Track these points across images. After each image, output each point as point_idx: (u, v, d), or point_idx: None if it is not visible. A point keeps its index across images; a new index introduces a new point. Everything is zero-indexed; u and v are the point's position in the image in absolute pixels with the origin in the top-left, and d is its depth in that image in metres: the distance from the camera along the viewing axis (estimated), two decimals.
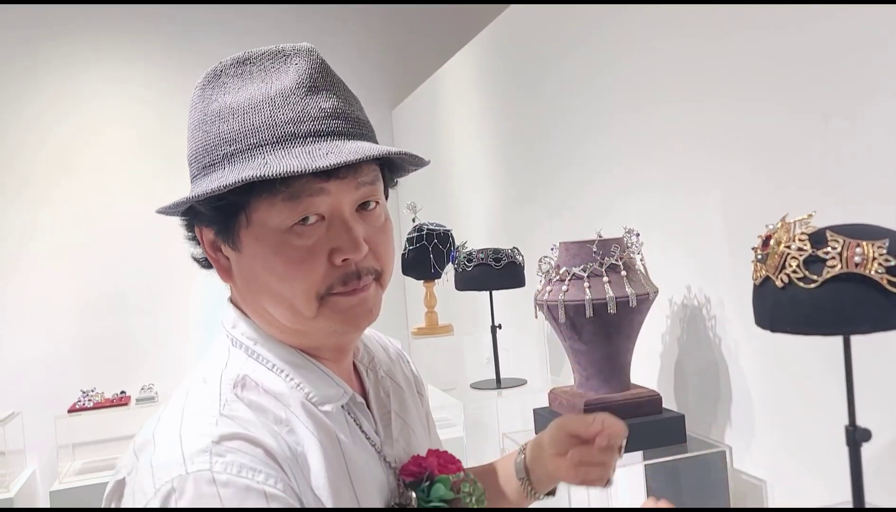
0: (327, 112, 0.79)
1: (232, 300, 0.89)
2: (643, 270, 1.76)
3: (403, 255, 3.11)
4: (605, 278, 1.69)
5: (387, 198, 0.90)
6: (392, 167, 0.90)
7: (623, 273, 1.71)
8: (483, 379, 2.60)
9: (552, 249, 1.84)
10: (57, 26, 4.25)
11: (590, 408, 1.69)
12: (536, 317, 1.85)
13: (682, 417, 1.71)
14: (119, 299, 4.21)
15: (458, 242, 2.82)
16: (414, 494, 0.86)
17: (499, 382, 2.51)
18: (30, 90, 4.21)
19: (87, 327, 4.16)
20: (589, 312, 1.67)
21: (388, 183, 0.90)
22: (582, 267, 1.71)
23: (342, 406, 0.86)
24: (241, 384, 0.81)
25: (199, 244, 0.87)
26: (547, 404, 1.92)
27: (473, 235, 3.35)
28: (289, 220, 0.78)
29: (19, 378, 3.96)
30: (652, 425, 1.69)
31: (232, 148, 0.78)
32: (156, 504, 0.69)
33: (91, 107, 4.28)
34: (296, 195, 0.77)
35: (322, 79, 0.83)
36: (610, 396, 1.73)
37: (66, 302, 4.17)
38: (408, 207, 3.19)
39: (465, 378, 3.23)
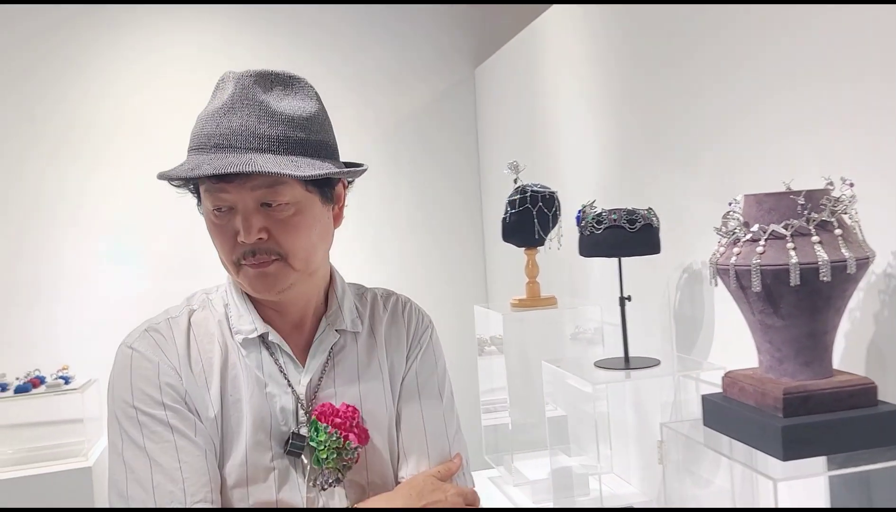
0: (232, 130, 1.02)
1: None
2: (858, 229, 1.42)
3: (504, 219, 2.82)
4: (815, 238, 1.37)
5: (331, 199, 1.19)
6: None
7: (837, 232, 1.38)
8: (606, 357, 2.30)
9: (731, 204, 1.52)
10: None
11: (790, 397, 1.38)
12: (715, 284, 1.54)
13: None
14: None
15: (574, 204, 2.51)
16: (304, 432, 1.10)
17: (627, 361, 2.21)
18: (97, 48, 4.03)
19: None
20: (794, 279, 1.35)
21: (327, 184, 1.15)
22: (784, 224, 1.39)
23: (260, 339, 1.14)
24: (202, 305, 1.18)
25: None
26: (716, 389, 1.61)
27: (581, 198, 3.03)
28: (211, 206, 1.08)
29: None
30: (865, 422, 1.37)
31: (191, 146, 1.08)
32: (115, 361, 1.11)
33: (164, 69, 4.08)
34: (210, 190, 1.06)
35: (241, 103, 1.04)
36: (812, 382, 1.41)
37: (145, 264, 4.00)
38: (509, 167, 2.89)
39: (571, 355, 2.95)
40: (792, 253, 1.36)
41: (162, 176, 1.04)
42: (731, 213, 1.47)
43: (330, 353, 1.18)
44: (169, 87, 4.06)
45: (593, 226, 2.15)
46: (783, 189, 1.49)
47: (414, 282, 4.43)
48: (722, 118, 2.14)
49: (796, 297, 1.38)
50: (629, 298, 2.23)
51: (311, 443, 1.08)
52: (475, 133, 4.57)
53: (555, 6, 3.33)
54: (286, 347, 1.15)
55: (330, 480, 1.10)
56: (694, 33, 2.26)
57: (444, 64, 4.50)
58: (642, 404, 2.66)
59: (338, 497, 1.11)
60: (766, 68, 1.93)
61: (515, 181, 2.87)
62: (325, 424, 1.08)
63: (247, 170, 0.99)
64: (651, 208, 2.17)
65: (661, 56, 2.47)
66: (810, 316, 1.39)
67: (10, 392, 3.38)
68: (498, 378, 3.12)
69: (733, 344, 2.16)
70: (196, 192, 1.12)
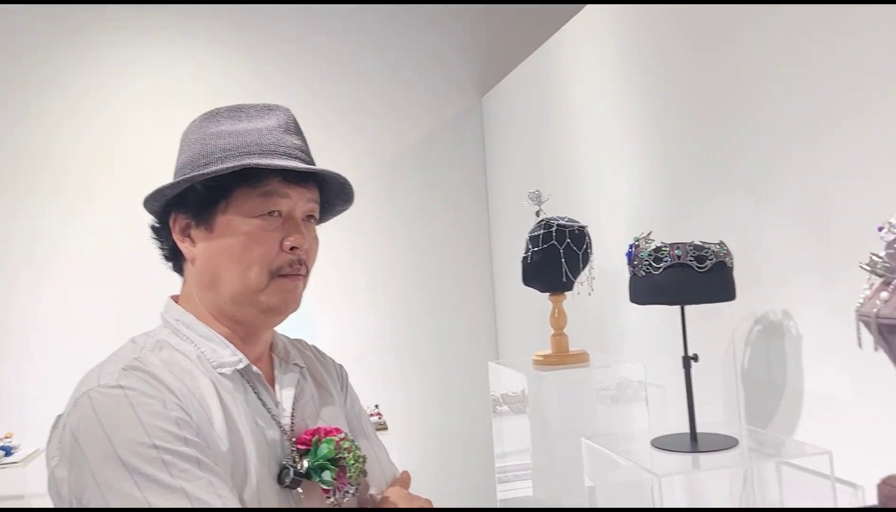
0: (296, 146, 1.10)
1: (173, 297, 1.14)
2: None
3: (525, 259, 2.35)
4: None
5: None
6: (323, 207, 1.16)
7: None
8: (665, 434, 1.80)
9: (881, 230, 1.05)
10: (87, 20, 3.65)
11: None
12: (875, 349, 1.05)
13: None
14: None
15: (605, 241, 2.03)
16: (306, 462, 1.05)
17: (695, 440, 1.71)
18: (62, 79, 3.61)
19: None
20: None
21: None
22: None
23: (240, 373, 1.08)
24: (158, 347, 1.06)
25: (161, 240, 1.14)
26: (859, 494, 1.12)
27: (615, 235, 2.57)
28: (259, 211, 1.07)
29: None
30: None
31: (226, 153, 1.06)
32: (69, 411, 0.96)
33: (130, 95, 3.66)
34: (269, 193, 1.07)
35: (294, 127, 1.12)
36: None
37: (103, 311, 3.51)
38: (530, 198, 2.43)
39: (606, 422, 2.45)
40: None
41: (247, 165, 1.03)
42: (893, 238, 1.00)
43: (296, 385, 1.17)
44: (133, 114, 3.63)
45: (650, 264, 1.67)
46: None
47: (413, 334, 3.93)
48: (799, 131, 1.68)
49: None
50: (696, 358, 1.74)
51: (314, 465, 1.05)
52: (483, 165, 4.13)
53: (570, 23, 2.91)
54: (264, 380, 1.11)
55: (350, 492, 1.07)
56: (751, 31, 1.82)
57: (447, 93, 4.09)
58: (704, 490, 2.15)
59: None
60: (861, 64, 1.48)
61: (538, 214, 2.41)
62: (326, 438, 1.07)
63: (331, 172, 1.09)
64: (723, 242, 1.70)
65: (711, 59, 2.03)
66: None
67: None
68: (510, 442, 2.64)
69: (828, 421, 1.67)
70: (212, 195, 1.07)
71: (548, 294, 2.42)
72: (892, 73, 1.45)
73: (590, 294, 2.36)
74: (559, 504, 2.44)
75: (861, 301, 1.06)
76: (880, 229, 1.05)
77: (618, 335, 2.66)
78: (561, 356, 2.38)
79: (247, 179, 1.04)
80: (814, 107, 1.66)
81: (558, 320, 2.42)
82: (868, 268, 1.05)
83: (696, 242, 1.67)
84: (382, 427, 3.38)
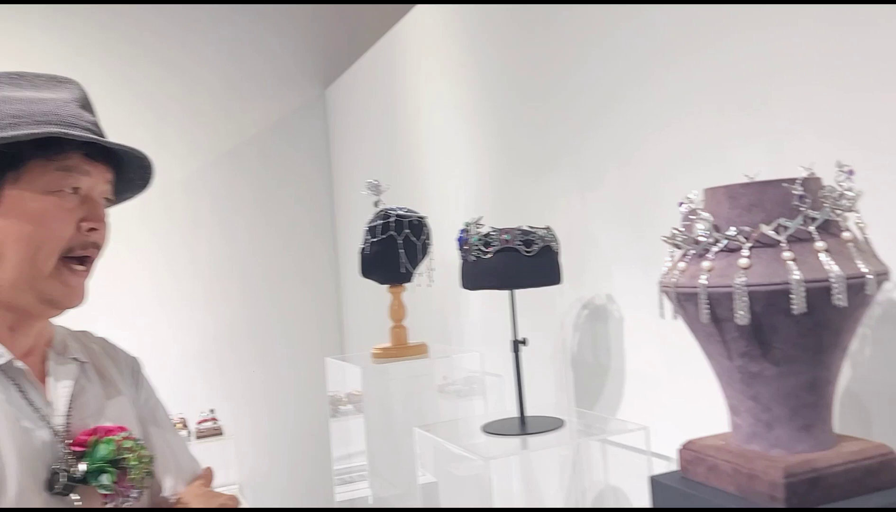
0: (93, 122, 1.03)
1: None
2: (862, 235, 1.03)
3: (363, 250, 2.29)
4: (820, 244, 0.95)
5: None
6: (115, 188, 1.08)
7: (846, 236, 0.97)
8: (493, 418, 1.80)
9: (682, 204, 1.08)
10: None
11: (794, 481, 0.94)
12: (674, 316, 1.08)
13: None
14: None
15: (447, 232, 2.02)
16: (82, 465, 0.95)
17: (523, 423, 1.72)
18: None
19: None
20: (800, 305, 0.91)
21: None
22: (775, 226, 0.96)
23: (1, 369, 0.97)
24: None
25: None
26: (673, 466, 1.16)
27: (456, 225, 2.56)
28: (56, 187, 0.97)
29: None
30: None
31: (17, 120, 0.95)
32: None
33: None
34: (70, 168, 0.98)
35: (88, 103, 1.05)
36: (818, 456, 0.98)
37: None
38: (368, 187, 2.37)
39: (447, 413, 2.44)
40: (792, 266, 0.93)
41: (52, 133, 0.95)
42: (695, 213, 1.03)
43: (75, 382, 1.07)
44: None
45: (480, 249, 1.66)
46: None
47: (255, 333, 3.77)
48: (632, 124, 1.75)
49: (797, 330, 0.94)
50: (524, 342, 1.75)
51: (92, 468, 0.95)
52: (328, 157, 4.03)
53: (409, 15, 2.90)
54: (32, 376, 1.00)
55: (133, 495, 0.99)
56: (583, 24, 1.88)
57: (290, 83, 3.95)
58: (535, 471, 2.19)
59: None
60: (686, 66, 1.56)
61: (376, 205, 2.35)
62: (106, 438, 0.98)
63: (139, 153, 1.05)
64: (550, 227, 1.73)
65: (544, 51, 2.07)
66: (814, 358, 0.96)
67: None
68: (357, 442, 2.56)
69: (648, 397, 1.74)
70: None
71: (387, 286, 2.37)
72: (718, 74, 1.53)
73: (430, 285, 2.34)
74: (399, 503, 2.40)
75: (664, 272, 1.09)
76: (681, 204, 1.09)
77: (458, 326, 2.67)
78: (400, 349, 2.34)
79: (45, 150, 0.95)
80: (641, 103, 1.72)
81: (397, 312, 2.38)
82: (669, 240, 1.08)
83: (524, 227, 1.69)
84: (217, 432, 3.20)
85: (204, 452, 3.17)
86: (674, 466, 1.67)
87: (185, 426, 3.25)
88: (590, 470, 1.91)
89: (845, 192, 0.99)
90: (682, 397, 1.62)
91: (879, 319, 1.19)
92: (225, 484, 3.23)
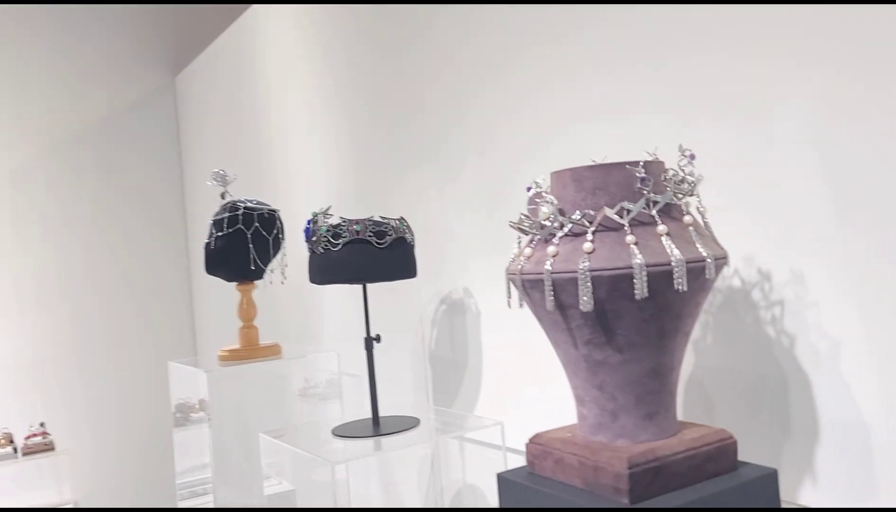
0: None
1: None
2: (703, 219, 1.02)
3: (208, 244, 2.12)
4: (662, 228, 0.93)
5: None
6: None
7: (687, 219, 0.96)
8: (348, 420, 1.71)
9: (529, 189, 1.04)
10: None
11: (638, 472, 0.91)
12: (520, 305, 1.04)
13: (775, 473, 0.99)
14: None
15: (302, 225, 1.90)
16: None
17: (377, 424, 1.64)
18: None
19: None
20: (641, 289, 0.89)
21: None
22: (618, 209, 0.93)
23: None
24: None
25: None
26: (520, 461, 1.11)
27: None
28: None
29: None
30: (730, 495, 0.94)
31: None
32: None
33: None
34: None
35: None
36: (661, 444, 0.96)
37: None
38: (214, 178, 2.21)
39: (302, 418, 2.31)
40: (634, 250, 0.90)
41: None
42: (540, 196, 0.98)
43: None
44: None
45: (329, 241, 1.56)
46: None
47: (94, 339, 3.46)
48: (488, 115, 1.71)
49: (640, 316, 0.92)
50: (378, 339, 1.67)
51: None
52: (177, 148, 3.77)
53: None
54: None
55: None
56: (441, 17, 1.83)
57: (135, 70, 3.67)
58: (394, 473, 2.11)
59: None
60: (543, 64, 1.54)
61: (223, 196, 2.19)
62: None
63: None
64: (403, 218, 1.66)
65: (402, 40, 2.01)
66: (657, 344, 0.95)
67: None
68: (205, 452, 2.39)
69: (503, 391, 1.71)
70: None
71: (235, 284, 2.22)
72: (568, 60, 1.51)
73: (283, 282, 2.21)
74: None
75: (511, 259, 1.04)
76: (528, 189, 1.05)
77: (316, 325, 2.55)
78: (250, 350, 2.19)
79: None
80: (495, 93, 1.68)
81: (247, 311, 2.23)
82: (516, 226, 1.03)
83: (376, 218, 1.61)
84: (48, 448, 2.90)
85: (33, 470, 2.86)
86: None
87: (10, 442, 2.91)
88: (447, 469, 1.86)
89: (686, 177, 0.97)
90: (536, 389, 1.59)
91: (720, 307, 1.20)
92: (58, 504, 2.93)
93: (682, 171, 0.97)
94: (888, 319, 0.99)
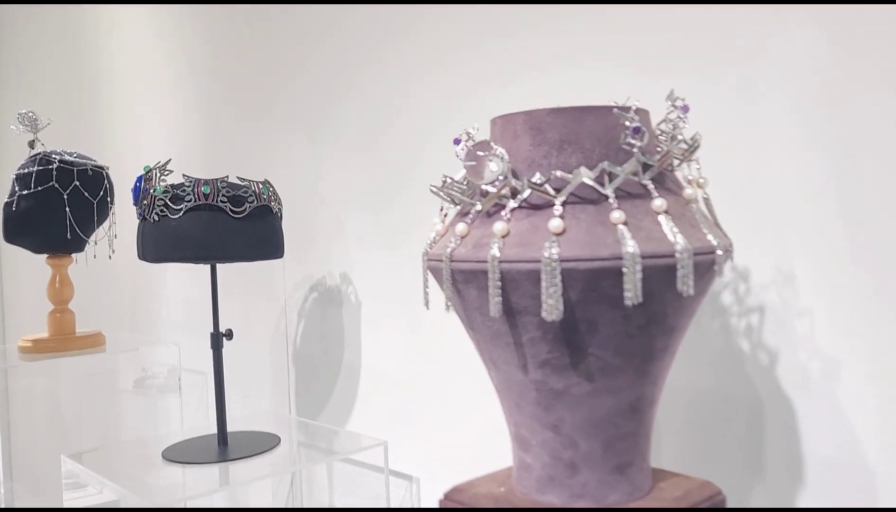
0: None
1: None
2: (704, 194, 0.75)
3: (9, 204, 1.65)
4: (658, 203, 0.64)
5: None
6: None
7: (688, 193, 0.68)
8: (187, 438, 1.32)
9: (457, 143, 0.72)
10: None
11: None
12: (446, 307, 0.71)
13: None
14: None
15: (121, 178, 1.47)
16: None
17: (224, 444, 1.27)
18: None
19: None
20: (634, 291, 0.60)
21: None
22: (599, 172, 0.64)
23: None
24: None
25: None
26: (415, 487, 0.84)
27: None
28: None
29: None
30: None
31: None
32: None
33: None
34: None
35: None
36: (640, 506, 0.68)
37: None
38: (20, 121, 1.75)
39: (142, 427, 1.90)
40: (624, 232, 0.61)
41: None
42: (484, 148, 0.67)
43: None
44: None
45: (166, 205, 1.17)
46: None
47: None
48: (376, 41, 1.37)
49: (623, 329, 0.63)
50: (229, 335, 1.30)
51: None
52: None
53: None
54: None
55: None
56: None
57: None
58: (248, 504, 1.73)
59: None
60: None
61: (32, 145, 1.74)
62: None
63: None
64: (269, 181, 1.29)
65: None
66: (640, 368, 0.66)
67: None
68: None
69: (388, 403, 1.39)
70: None
71: (45, 256, 1.75)
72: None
73: (110, 257, 1.77)
74: None
75: (431, 239, 0.72)
76: (457, 142, 0.73)
77: (153, 311, 2.11)
78: (62, 340, 1.74)
79: None
80: (405, 43, 1.35)
81: (60, 292, 1.76)
82: (439, 192, 0.71)
83: (232, 180, 1.23)
84: None
85: None
86: (415, 486, 1.36)
87: None
88: (311, 496, 1.52)
89: (679, 136, 0.70)
90: (433, 404, 1.29)
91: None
92: None
93: (677, 124, 0.70)
94: None
